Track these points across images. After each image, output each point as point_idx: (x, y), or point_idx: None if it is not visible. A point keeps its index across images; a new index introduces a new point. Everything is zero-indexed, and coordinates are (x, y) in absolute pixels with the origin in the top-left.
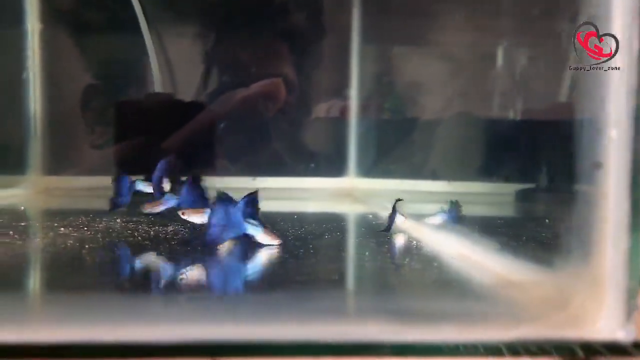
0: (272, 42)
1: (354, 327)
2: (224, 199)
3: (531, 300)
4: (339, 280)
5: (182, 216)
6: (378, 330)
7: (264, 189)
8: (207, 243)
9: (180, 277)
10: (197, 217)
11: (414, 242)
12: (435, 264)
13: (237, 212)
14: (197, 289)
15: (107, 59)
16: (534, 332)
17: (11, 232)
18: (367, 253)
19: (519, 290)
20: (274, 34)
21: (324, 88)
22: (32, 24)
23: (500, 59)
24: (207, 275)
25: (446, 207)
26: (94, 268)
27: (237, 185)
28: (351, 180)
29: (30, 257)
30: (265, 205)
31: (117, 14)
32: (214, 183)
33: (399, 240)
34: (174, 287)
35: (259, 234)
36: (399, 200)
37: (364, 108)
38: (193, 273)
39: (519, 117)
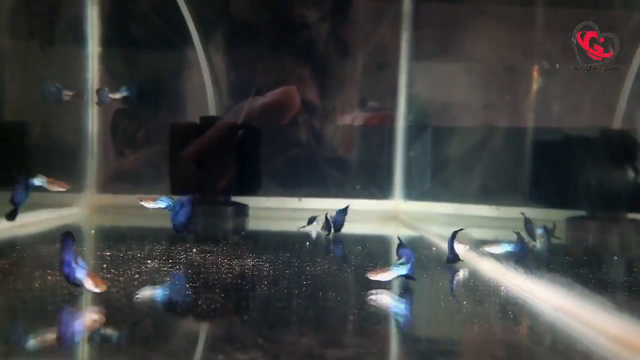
0: (295, 65)
1: None
2: None
3: None
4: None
5: None
6: None
7: (309, 210)
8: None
9: None
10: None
11: (503, 287)
12: (544, 320)
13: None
14: None
15: (158, 79)
16: None
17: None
18: (474, 299)
19: None
20: (299, 57)
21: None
22: (93, 48)
23: (550, 80)
24: None
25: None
26: None
27: (283, 205)
28: (397, 203)
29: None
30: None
31: (170, 39)
32: (260, 203)
33: (480, 283)
34: None
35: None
36: (460, 230)
37: (410, 128)
38: None
39: (571, 142)
